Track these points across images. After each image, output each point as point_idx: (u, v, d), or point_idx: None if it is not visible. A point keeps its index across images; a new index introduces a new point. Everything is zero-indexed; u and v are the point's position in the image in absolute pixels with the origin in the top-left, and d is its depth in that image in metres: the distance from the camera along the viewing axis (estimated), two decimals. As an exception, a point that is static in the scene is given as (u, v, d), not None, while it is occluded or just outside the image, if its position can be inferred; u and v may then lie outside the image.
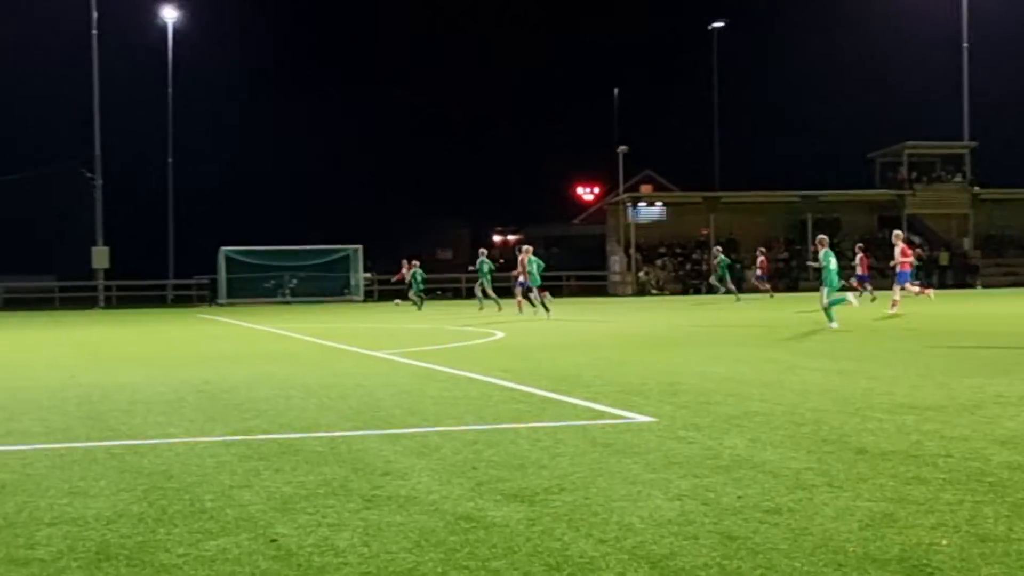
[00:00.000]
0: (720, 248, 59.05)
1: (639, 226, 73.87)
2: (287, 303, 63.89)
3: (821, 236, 29.09)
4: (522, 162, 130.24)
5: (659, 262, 74.03)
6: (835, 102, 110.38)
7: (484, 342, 24.40)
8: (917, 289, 35.96)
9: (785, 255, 73.15)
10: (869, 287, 45.46)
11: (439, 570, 6.03)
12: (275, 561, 6.26)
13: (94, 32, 65.10)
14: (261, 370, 17.87)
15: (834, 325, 26.17)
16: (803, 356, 18.90)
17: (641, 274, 72.78)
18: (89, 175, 65.93)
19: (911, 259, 36.48)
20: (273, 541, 6.67)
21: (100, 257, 65.17)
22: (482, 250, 44.52)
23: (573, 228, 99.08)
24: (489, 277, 43.70)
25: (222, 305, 61.83)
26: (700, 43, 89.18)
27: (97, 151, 65.27)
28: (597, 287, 74.68)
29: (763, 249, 60.33)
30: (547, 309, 35.77)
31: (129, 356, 22.39)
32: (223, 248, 65.99)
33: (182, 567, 6.19)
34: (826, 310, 26.79)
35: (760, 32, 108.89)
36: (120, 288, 67.80)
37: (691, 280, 71.56)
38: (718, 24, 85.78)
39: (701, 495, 7.65)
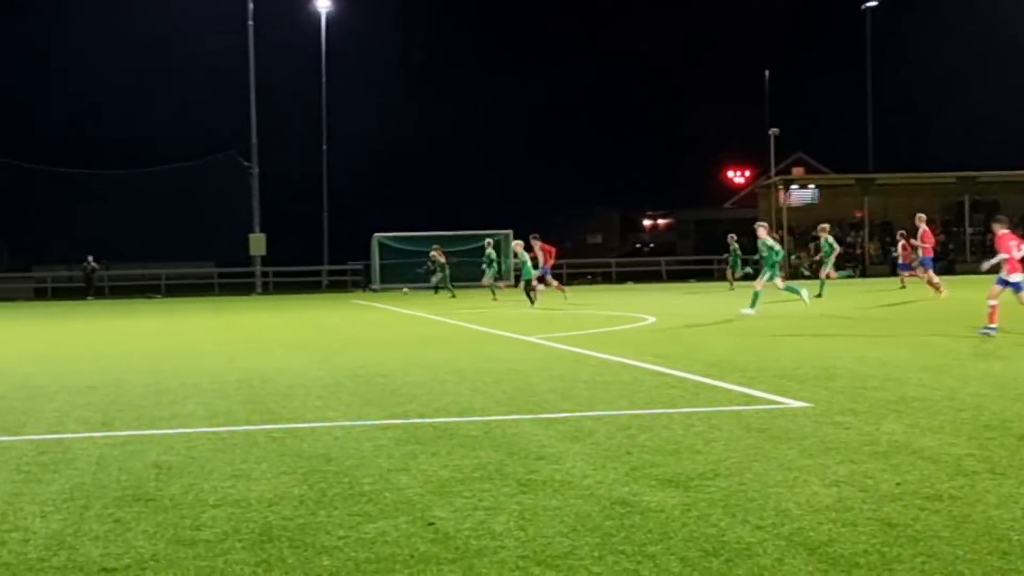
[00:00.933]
0: (734, 236, 58.00)
1: (791, 209, 72.87)
2: (438, 288, 64.33)
3: (760, 222, 29.37)
4: (672, 145, 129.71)
5: (811, 245, 73.01)
6: (993, 78, 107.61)
7: (635, 327, 24.34)
8: (936, 279, 35.02)
9: (942, 237, 71.59)
10: (907, 274, 44.34)
11: (595, 554, 6.06)
12: (433, 544, 6.35)
13: (250, 23, 66.28)
14: (415, 355, 18.07)
15: (751, 311, 25.89)
16: (960, 340, 18.54)
17: (793, 258, 71.88)
18: (246, 163, 67.18)
19: (932, 244, 35.74)
20: (431, 524, 6.76)
21: (257, 244, 66.34)
22: (488, 240, 45.55)
23: (724, 211, 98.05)
24: (496, 267, 45.34)
25: (376, 291, 62.50)
26: (854, 22, 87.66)
27: (253, 139, 66.39)
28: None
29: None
30: (531, 300, 35.70)
31: (286, 341, 22.79)
32: (376, 234, 66.67)
33: (343, 549, 6.31)
34: (756, 293, 26.68)
35: (914, 9, 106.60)
36: (276, 274, 68.98)
37: (846, 263, 70.40)
38: (872, 3, 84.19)
39: (859, 481, 7.56)
